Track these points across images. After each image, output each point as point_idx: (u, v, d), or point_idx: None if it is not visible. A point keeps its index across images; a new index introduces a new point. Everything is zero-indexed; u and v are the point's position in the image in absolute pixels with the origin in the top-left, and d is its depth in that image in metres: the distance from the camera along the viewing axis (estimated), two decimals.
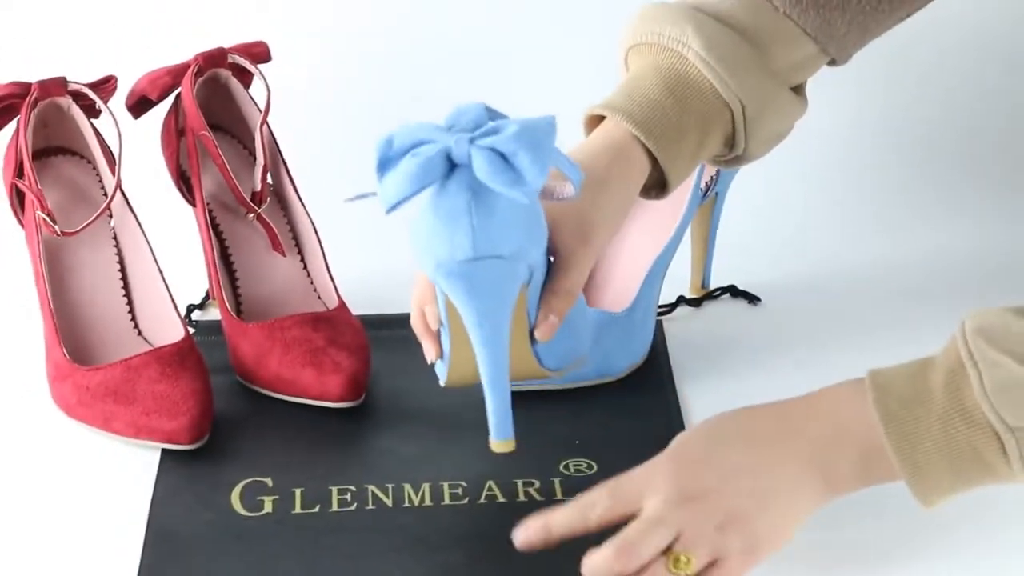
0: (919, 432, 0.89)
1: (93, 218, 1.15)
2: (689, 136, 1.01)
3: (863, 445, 0.90)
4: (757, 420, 0.94)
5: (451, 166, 0.87)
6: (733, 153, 1.05)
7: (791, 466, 0.91)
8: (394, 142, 0.87)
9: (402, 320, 1.21)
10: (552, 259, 0.98)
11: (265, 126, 1.19)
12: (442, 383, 1.03)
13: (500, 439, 0.96)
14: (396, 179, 0.86)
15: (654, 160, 1.01)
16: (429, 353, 1.00)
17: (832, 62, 1.06)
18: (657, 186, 1.03)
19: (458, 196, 0.87)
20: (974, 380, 0.87)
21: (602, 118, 1.02)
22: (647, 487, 0.91)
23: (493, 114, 0.90)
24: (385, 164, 0.87)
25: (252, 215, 1.19)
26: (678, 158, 1.01)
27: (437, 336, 0.99)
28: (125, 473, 1.08)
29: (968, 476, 0.89)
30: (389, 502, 1.04)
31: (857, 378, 0.92)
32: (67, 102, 1.17)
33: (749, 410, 0.94)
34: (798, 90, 1.06)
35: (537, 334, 0.96)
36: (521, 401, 0.99)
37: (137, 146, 1.19)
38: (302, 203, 1.21)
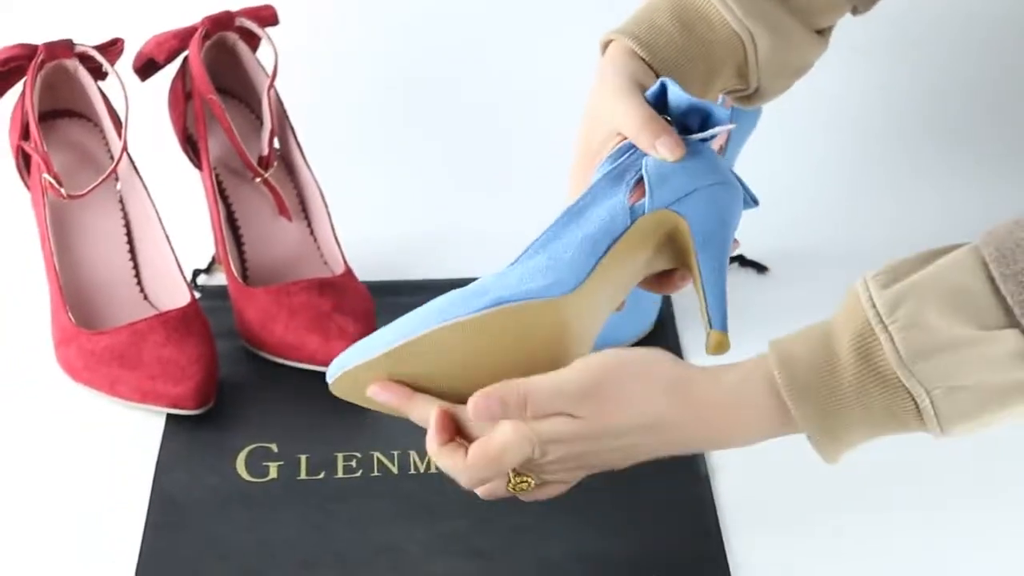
0: (831, 406, 0.87)
1: (99, 181, 1.14)
2: (696, 63, 1.00)
3: (767, 414, 0.89)
4: (672, 393, 0.90)
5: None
6: (750, 88, 1.04)
7: (674, 448, 0.91)
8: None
9: (408, 287, 1.22)
10: None
11: (272, 90, 1.19)
12: None
13: (720, 329, 0.94)
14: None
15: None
16: None
17: (855, 9, 1.06)
18: None
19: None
20: (887, 346, 0.85)
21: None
22: (559, 406, 0.88)
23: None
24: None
25: (259, 179, 1.19)
26: (683, 83, 1.00)
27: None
28: (130, 437, 1.08)
29: (880, 432, 0.88)
30: (395, 469, 1.04)
31: (761, 355, 0.90)
32: (74, 64, 1.16)
33: (673, 381, 0.91)
34: (822, 34, 1.05)
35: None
36: None
37: (144, 109, 1.19)
38: (309, 168, 1.21)
